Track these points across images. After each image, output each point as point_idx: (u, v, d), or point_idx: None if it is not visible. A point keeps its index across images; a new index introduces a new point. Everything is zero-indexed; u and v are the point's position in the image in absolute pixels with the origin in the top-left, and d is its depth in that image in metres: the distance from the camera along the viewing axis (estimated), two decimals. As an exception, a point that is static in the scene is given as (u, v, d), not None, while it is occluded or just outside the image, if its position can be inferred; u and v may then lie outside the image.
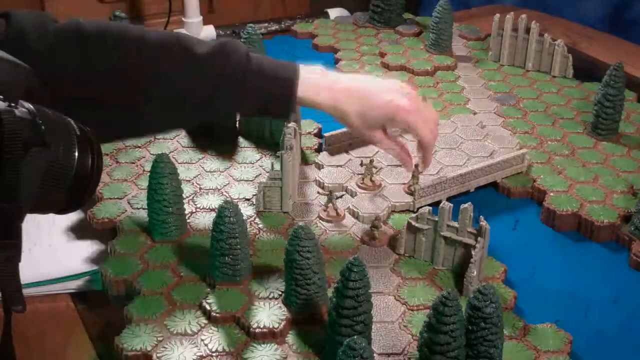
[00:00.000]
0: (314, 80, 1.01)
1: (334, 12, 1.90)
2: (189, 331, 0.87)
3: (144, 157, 1.20)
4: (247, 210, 1.07)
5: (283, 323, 0.87)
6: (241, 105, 1.03)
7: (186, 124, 1.13)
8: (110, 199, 1.09)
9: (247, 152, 1.22)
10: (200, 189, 1.12)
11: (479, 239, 0.92)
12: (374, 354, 0.71)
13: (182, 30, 1.82)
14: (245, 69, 0.98)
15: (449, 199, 1.06)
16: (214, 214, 0.92)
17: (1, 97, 0.65)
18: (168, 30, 1.02)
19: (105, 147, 1.20)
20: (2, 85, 0.66)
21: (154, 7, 2.25)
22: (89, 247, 1.04)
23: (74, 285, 0.98)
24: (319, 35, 1.70)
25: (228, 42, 0.99)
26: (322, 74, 1.03)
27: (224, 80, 0.97)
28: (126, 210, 1.07)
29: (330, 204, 1.07)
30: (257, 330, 0.86)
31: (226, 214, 0.90)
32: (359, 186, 1.12)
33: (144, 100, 0.95)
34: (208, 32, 1.85)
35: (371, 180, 1.13)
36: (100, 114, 0.90)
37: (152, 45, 0.95)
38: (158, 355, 0.83)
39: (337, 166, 1.18)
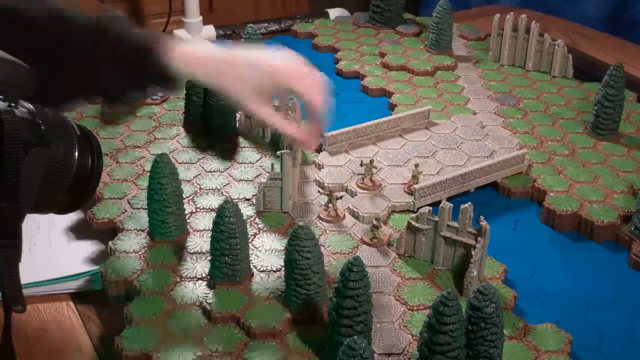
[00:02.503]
0: (186, 51, 0.97)
1: (334, 12, 1.89)
2: (189, 331, 0.87)
3: (144, 157, 1.20)
4: (247, 210, 1.07)
5: (283, 323, 0.87)
6: (121, 75, 0.97)
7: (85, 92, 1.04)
8: (110, 199, 1.09)
9: (247, 152, 1.22)
10: (200, 189, 1.12)
11: (479, 239, 0.92)
12: (374, 354, 0.71)
13: (182, 30, 1.81)
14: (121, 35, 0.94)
15: (449, 199, 1.06)
16: (214, 214, 0.92)
17: (1, 97, 0.65)
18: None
19: (105, 147, 1.20)
20: (2, 85, 0.66)
21: (154, 7, 2.25)
22: (89, 247, 1.04)
23: (74, 285, 0.98)
24: (319, 35, 1.70)
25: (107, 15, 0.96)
26: (196, 45, 0.99)
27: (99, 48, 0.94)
28: (126, 210, 1.07)
29: (330, 204, 1.07)
30: (257, 331, 0.86)
31: (226, 214, 0.90)
32: (359, 186, 1.12)
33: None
34: (208, 32, 1.84)
35: (371, 180, 1.13)
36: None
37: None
38: (158, 355, 0.83)
39: (337, 166, 1.18)
